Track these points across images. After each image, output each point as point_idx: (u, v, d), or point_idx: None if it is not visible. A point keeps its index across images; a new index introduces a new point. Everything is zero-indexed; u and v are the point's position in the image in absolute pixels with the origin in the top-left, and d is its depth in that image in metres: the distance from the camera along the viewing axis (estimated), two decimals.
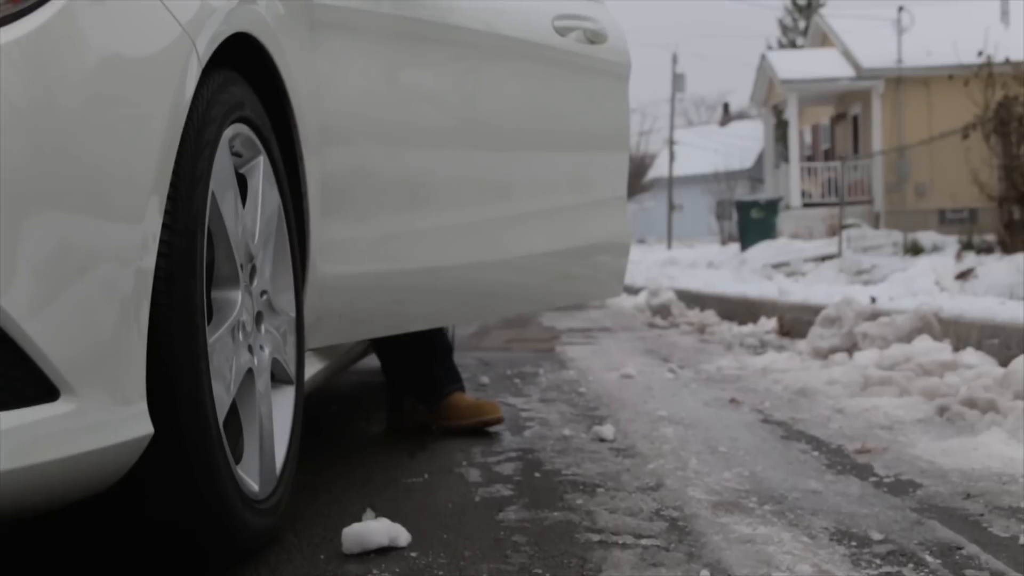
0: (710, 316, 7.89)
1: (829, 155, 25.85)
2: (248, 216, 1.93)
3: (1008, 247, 9.82)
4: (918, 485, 2.50)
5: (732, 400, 3.86)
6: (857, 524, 2.15)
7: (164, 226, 1.58)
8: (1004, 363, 3.82)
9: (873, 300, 6.01)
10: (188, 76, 1.64)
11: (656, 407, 3.71)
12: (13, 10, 1.39)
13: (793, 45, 38.80)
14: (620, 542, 2.03)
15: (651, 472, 2.66)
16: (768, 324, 6.75)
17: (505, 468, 2.73)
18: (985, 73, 11.17)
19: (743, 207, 18.70)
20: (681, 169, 39.19)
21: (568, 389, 4.26)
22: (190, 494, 1.67)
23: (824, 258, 13.20)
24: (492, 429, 3.25)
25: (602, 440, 3.09)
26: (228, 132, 1.83)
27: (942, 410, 3.43)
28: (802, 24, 39.28)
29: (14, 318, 1.34)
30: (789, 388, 4.09)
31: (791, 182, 23.60)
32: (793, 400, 3.86)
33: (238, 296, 1.86)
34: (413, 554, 1.96)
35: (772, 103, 26.49)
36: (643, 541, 2.04)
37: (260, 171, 1.99)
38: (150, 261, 1.54)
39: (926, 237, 12.80)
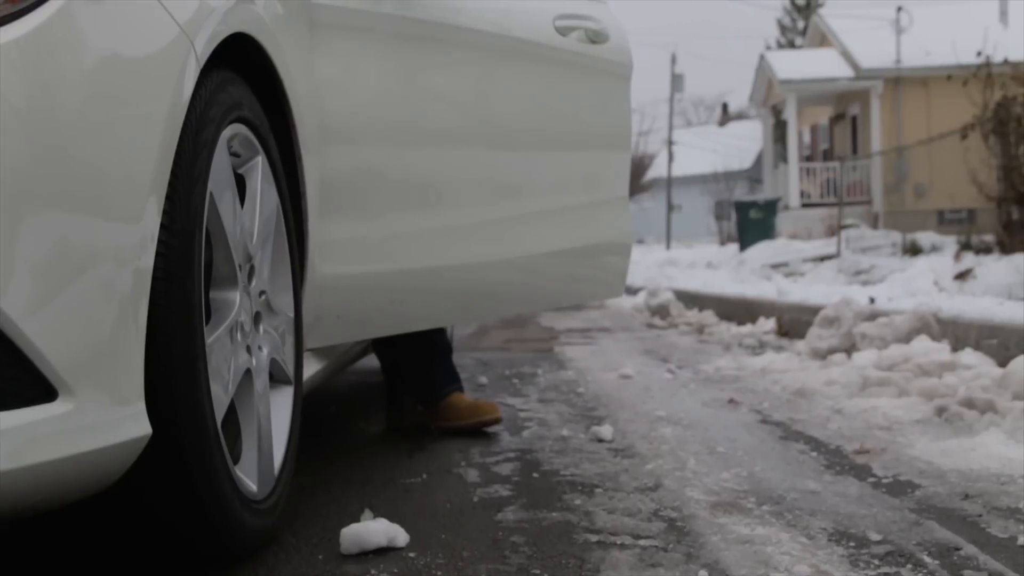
0: (709, 316, 7.89)
1: (828, 155, 25.85)
2: (246, 216, 1.93)
3: (1007, 247, 9.82)
4: (916, 486, 2.50)
5: (731, 400, 3.86)
6: (855, 524, 2.15)
7: (162, 226, 1.58)
8: (1002, 363, 3.82)
9: (872, 300, 6.01)
10: (186, 76, 1.64)
11: (655, 407, 3.71)
12: (11, 10, 1.39)
13: (792, 45, 38.82)
14: (618, 542, 2.03)
15: (649, 472, 2.66)
16: (767, 324, 6.75)
17: (503, 468, 2.74)
18: (984, 73, 11.18)
19: (742, 207, 18.71)
20: (680, 169, 39.20)
21: (567, 389, 4.26)
22: (188, 494, 1.67)
23: (823, 258, 13.21)
24: (491, 429, 3.25)
25: (600, 440, 3.09)
26: (226, 132, 1.83)
27: (940, 411, 3.43)
28: (801, 24, 39.31)
29: (12, 318, 1.34)
30: (788, 388, 4.09)
31: (790, 182, 23.61)
32: (792, 400, 3.86)
33: (236, 296, 1.86)
34: (411, 554, 1.96)
35: (771, 103, 26.50)
36: (641, 541, 2.04)
37: (259, 171, 1.99)
38: (148, 261, 1.54)
39: (925, 237, 12.81)
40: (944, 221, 15.47)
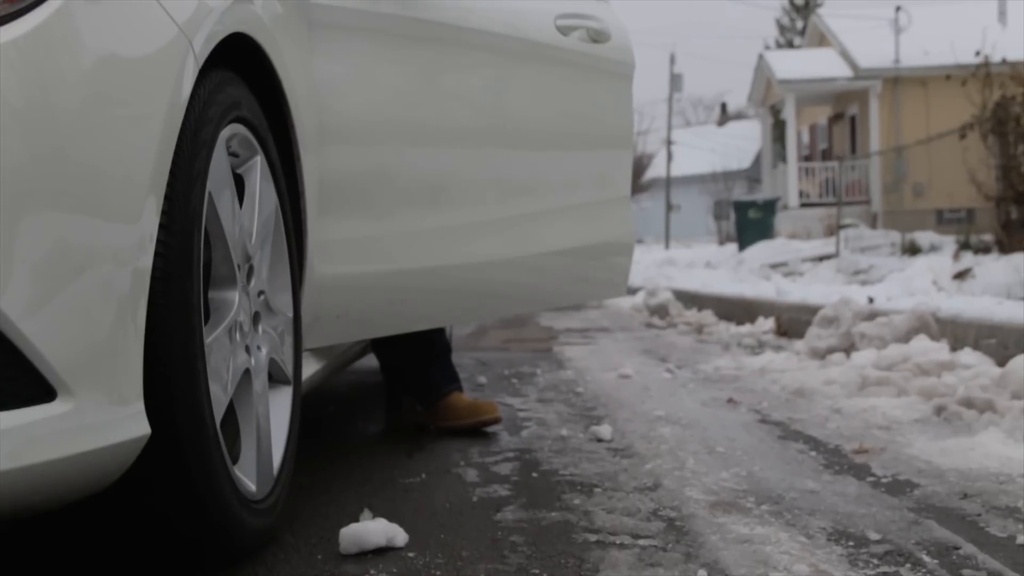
0: (708, 316, 7.89)
1: (827, 155, 25.86)
2: (245, 216, 1.93)
3: (1005, 247, 9.82)
4: (915, 485, 2.50)
5: (730, 400, 3.86)
6: (854, 524, 2.15)
7: (161, 226, 1.58)
8: (1001, 363, 3.83)
9: (871, 300, 6.01)
10: (185, 76, 1.64)
11: (654, 407, 3.71)
12: (10, 10, 1.39)
13: (791, 45, 38.83)
14: (617, 542, 2.03)
15: (648, 472, 2.66)
16: (766, 324, 6.75)
17: (503, 468, 2.74)
18: (982, 73, 11.18)
19: (741, 207, 18.71)
20: (679, 169, 39.22)
21: (566, 389, 4.26)
22: (187, 494, 1.67)
23: (822, 258, 13.21)
24: (490, 429, 3.25)
25: (600, 440, 3.09)
26: (225, 132, 1.82)
27: (939, 410, 3.43)
28: (800, 24, 39.33)
29: (11, 318, 1.34)
30: (787, 388, 4.09)
31: (789, 182, 23.61)
32: (791, 400, 3.86)
33: (235, 296, 1.86)
34: (411, 554, 1.96)
35: (770, 103, 26.51)
36: (640, 541, 2.04)
37: (257, 171, 1.99)
38: (147, 261, 1.54)
39: (924, 237, 12.81)
40: (943, 221, 15.49)
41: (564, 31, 3.09)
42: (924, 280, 7.65)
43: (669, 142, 36.94)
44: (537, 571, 1.86)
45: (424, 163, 2.65)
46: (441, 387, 3.24)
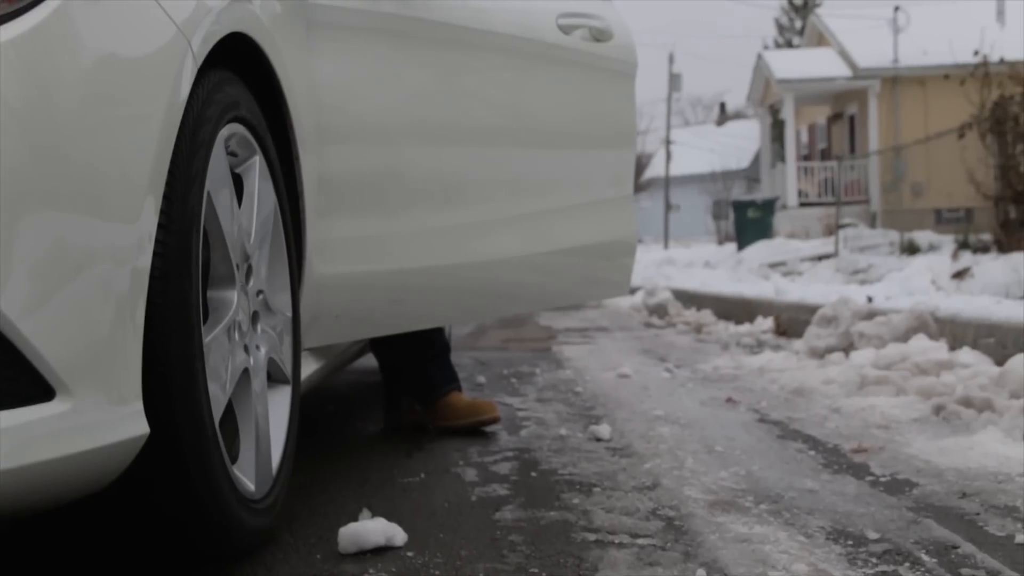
0: (707, 316, 7.89)
1: (825, 155, 25.87)
2: (244, 216, 1.93)
3: (1004, 246, 9.82)
4: (914, 484, 2.50)
5: (728, 399, 3.86)
6: (853, 523, 2.15)
7: (160, 226, 1.58)
8: (1000, 362, 3.83)
9: (870, 299, 6.02)
10: (183, 76, 1.64)
11: (653, 406, 3.71)
12: (8, 10, 1.39)
13: (790, 45, 38.84)
14: (616, 541, 2.03)
15: (647, 471, 2.66)
16: (765, 324, 6.75)
17: (502, 468, 2.74)
18: (981, 73, 11.19)
19: (740, 207, 18.71)
20: (678, 169, 39.23)
21: (565, 389, 4.26)
22: (186, 494, 1.67)
23: (821, 258, 13.22)
24: (489, 429, 3.24)
25: (598, 440, 3.10)
26: (224, 132, 1.82)
27: (938, 409, 3.43)
28: (799, 24, 39.33)
29: (10, 318, 1.34)
30: (785, 387, 4.09)
31: (788, 182, 23.62)
32: (789, 399, 3.87)
33: (234, 296, 1.86)
34: (409, 553, 1.96)
35: (769, 103, 26.51)
36: (639, 540, 2.04)
37: (256, 171, 1.99)
38: (146, 261, 1.54)
39: (922, 236, 12.81)
40: (942, 220, 15.48)
41: (566, 30, 3.09)
42: (923, 279, 7.65)
43: (668, 142, 36.94)
44: (536, 570, 1.86)
45: (425, 162, 2.65)
46: (440, 387, 3.24)
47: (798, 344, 5.31)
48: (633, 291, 9.79)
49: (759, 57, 26.09)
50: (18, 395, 1.37)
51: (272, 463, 2.00)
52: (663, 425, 3.33)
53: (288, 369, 2.13)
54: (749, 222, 17.98)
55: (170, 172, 1.60)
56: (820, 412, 3.56)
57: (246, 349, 1.92)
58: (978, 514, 2.23)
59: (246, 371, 1.91)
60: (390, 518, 2.07)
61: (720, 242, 25.28)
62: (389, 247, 2.54)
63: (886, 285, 7.68)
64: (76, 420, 1.42)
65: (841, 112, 25.28)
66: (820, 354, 4.96)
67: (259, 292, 2.01)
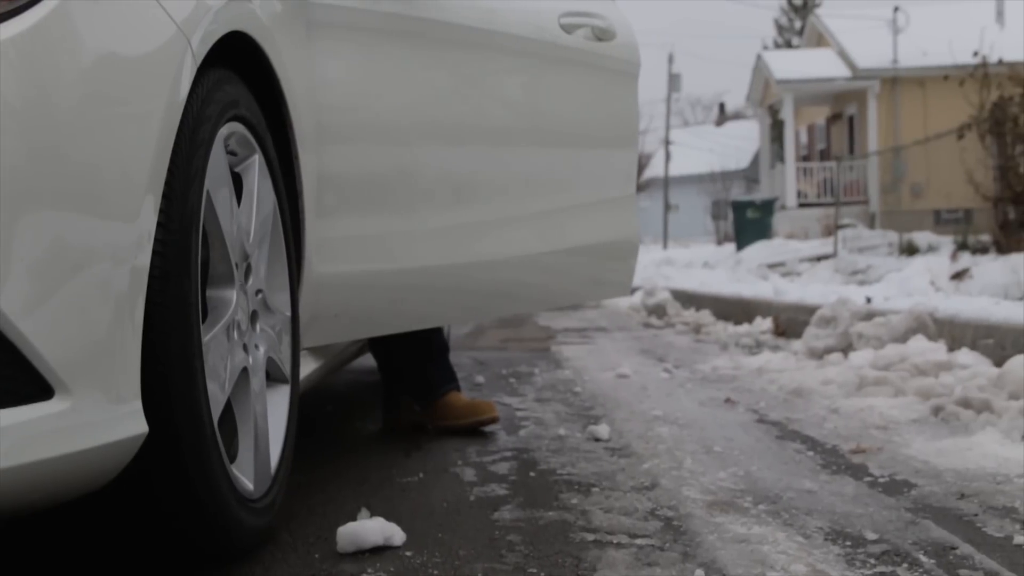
0: (706, 316, 7.89)
1: (825, 155, 25.87)
2: (243, 215, 1.93)
3: (1003, 247, 9.82)
4: (913, 485, 2.50)
5: (727, 400, 3.86)
6: (852, 524, 2.15)
7: (159, 225, 1.58)
8: (999, 363, 3.83)
9: (868, 300, 6.02)
10: (183, 74, 1.64)
11: (651, 407, 3.71)
12: (8, 8, 1.39)
13: (789, 45, 38.85)
14: (615, 542, 2.03)
15: (646, 472, 2.66)
16: (764, 324, 6.75)
17: (500, 468, 2.74)
18: (980, 73, 11.18)
19: (739, 207, 18.71)
20: (677, 169, 39.22)
21: (563, 389, 4.26)
22: (185, 493, 1.67)
23: (820, 258, 13.22)
24: (487, 429, 3.24)
25: (597, 440, 3.10)
26: (223, 131, 1.82)
27: (937, 410, 3.43)
28: (798, 24, 39.34)
29: (9, 317, 1.34)
30: (784, 388, 4.09)
31: (787, 182, 23.62)
32: (788, 400, 3.87)
33: (233, 295, 1.86)
34: (408, 553, 1.96)
35: (768, 103, 26.51)
36: (638, 541, 2.04)
37: (255, 170, 1.99)
38: (145, 260, 1.54)
39: (921, 237, 12.81)
40: (941, 221, 15.47)
41: (568, 29, 3.08)
42: (922, 280, 7.65)
43: (667, 142, 36.94)
44: (534, 570, 1.86)
45: (425, 162, 2.64)
46: (439, 386, 3.24)
47: (797, 345, 5.31)
48: (632, 291, 9.80)
49: (758, 57, 26.09)
50: (17, 394, 1.37)
51: (271, 462, 1.99)
52: (662, 425, 3.33)
53: (287, 368, 2.13)
54: (748, 222, 17.98)
55: (169, 171, 1.60)
56: (819, 413, 3.56)
57: (245, 348, 1.92)
58: (976, 515, 2.23)
59: (245, 370, 1.91)
60: (389, 518, 2.07)
61: (719, 242, 25.28)
62: (389, 246, 2.54)
63: (885, 286, 7.68)
64: (75, 419, 1.42)
65: (840, 113, 25.29)
66: (819, 355, 4.96)
67: (258, 291, 2.01)
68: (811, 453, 2.89)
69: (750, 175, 37.14)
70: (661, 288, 9.12)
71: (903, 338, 4.56)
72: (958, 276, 7.78)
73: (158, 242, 1.57)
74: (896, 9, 23.15)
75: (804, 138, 27.95)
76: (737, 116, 46.72)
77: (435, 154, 2.68)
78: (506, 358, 5.46)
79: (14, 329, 1.35)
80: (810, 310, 5.76)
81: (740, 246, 17.08)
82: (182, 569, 1.84)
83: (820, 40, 25.86)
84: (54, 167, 1.40)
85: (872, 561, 1.91)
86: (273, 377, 2.08)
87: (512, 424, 3.39)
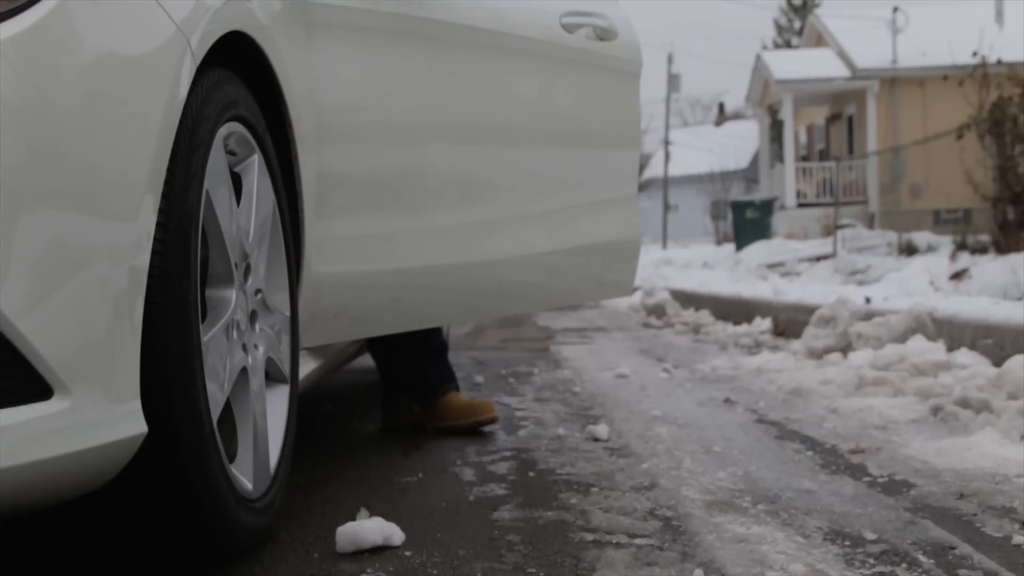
0: (705, 316, 7.89)
1: (824, 155, 25.86)
2: (242, 214, 1.93)
3: (1002, 247, 9.81)
4: (912, 485, 2.50)
5: (726, 400, 3.86)
6: (851, 524, 2.15)
7: (158, 224, 1.58)
8: (998, 363, 3.83)
9: (868, 300, 6.02)
10: (182, 74, 1.64)
11: (650, 407, 3.71)
12: (7, 7, 1.39)
13: (788, 45, 38.83)
14: (614, 541, 2.03)
15: (645, 472, 2.66)
16: (763, 324, 6.75)
17: (499, 467, 2.74)
18: (980, 74, 11.18)
19: (738, 207, 18.71)
20: (676, 169, 39.21)
21: (563, 389, 4.26)
22: (184, 493, 1.67)
23: (819, 258, 13.22)
24: (487, 429, 3.24)
25: (596, 440, 3.10)
26: (222, 131, 1.82)
27: (936, 410, 3.43)
28: (797, 24, 39.33)
29: (8, 316, 1.34)
30: (783, 388, 4.09)
31: (786, 182, 23.62)
32: (787, 400, 3.87)
33: (232, 295, 1.86)
34: (407, 553, 1.96)
35: (767, 103, 26.51)
36: (637, 540, 2.04)
37: (255, 170, 1.99)
38: (144, 259, 1.54)
39: (921, 237, 12.81)
40: (940, 221, 15.46)
41: (569, 28, 3.08)
42: (921, 280, 7.65)
43: (667, 142, 36.93)
44: (534, 570, 1.86)
45: (425, 161, 2.64)
46: (438, 387, 3.24)
47: (796, 345, 5.31)
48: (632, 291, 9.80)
49: (758, 58, 26.09)
50: (16, 393, 1.37)
51: (270, 462, 1.99)
52: (661, 425, 3.34)
53: (286, 368, 2.13)
54: (747, 222, 17.98)
55: (169, 171, 1.60)
56: (818, 413, 3.56)
57: (244, 348, 1.92)
58: (975, 515, 2.23)
59: (244, 370, 1.91)
60: (388, 517, 2.07)
61: (718, 242, 25.27)
62: (388, 246, 2.54)
63: (884, 286, 7.68)
64: (74, 419, 1.42)
65: (840, 113, 25.29)
66: (818, 355, 4.96)
67: (257, 291, 2.01)
68: (810, 453, 2.90)
69: (749, 175, 37.14)
70: (660, 288, 9.12)
71: (902, 338, 4.57)
72: (957, 276, 7.78)
73: (157, 242, 1.57)
74: (895, 9, 23.15)
75: (803, 138, 27.95)
76: (736, 116, 46.70)
77: (435, 154, 2.68)
78: (505, 358, 5.46)
79: (13, 329, 1.35)
80: (809, 310, 5.76)
81: (739, 246, 17.08)
82: (182, 569, 1.84)
83: (819, 40, 25.86)
84: (53, 166, 1.40)
85: (871, 561, 1.91)
86: (272, 377, 2.08)
87: (511, 424, 3.40)
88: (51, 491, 1.45)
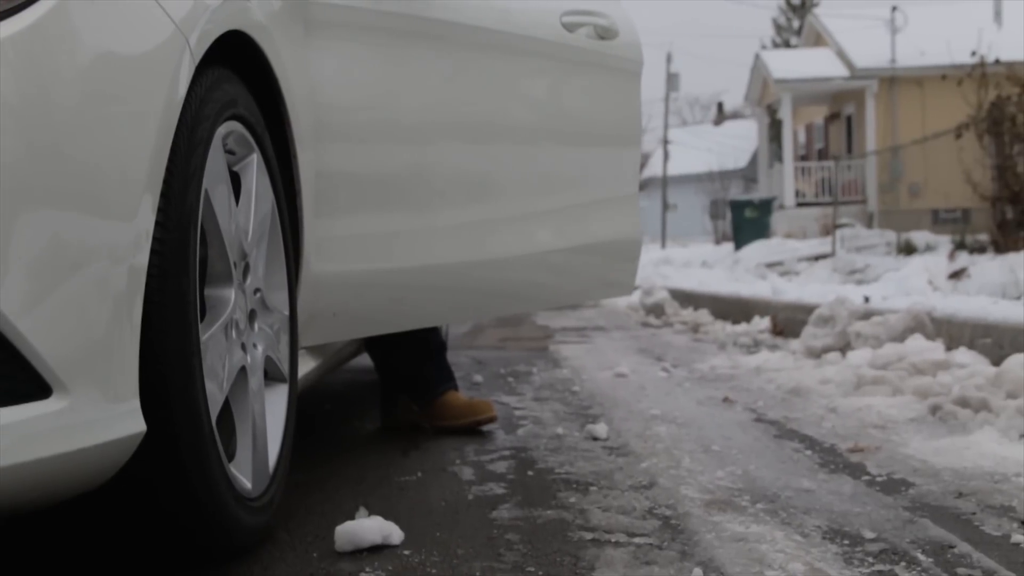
0: (704, 315, 7.90)
1: (823, 155, 25.86)
2: (241, 214, 1.93)
3: (1001, 247, 9.82)
4: (910, 484, 2.50)
5: (725, 399, 3.86)
6: (850, 523, 2.15)
7: (157, 223, 1.58)
8: (996, 362, 3.83)
9: (866, 299, 6.02)
10: (181, 73, 1.64)
11: (649, 406, 3.71)
12: (7, 7, 1.39)
13: (787, 45, 38.83)
14: (613, 540, 2.03)
15: (644, 471, 2.66)
16: (762, 323, 6.75)
17: (498, 467, 2.74)
18: (978, 73, 11.18)
19: (737, 206, 18.72)
20: (675, 168, 39.21)
21: (562, 388, 4.26)
22: (183, 492, 1.67)
23: (818, 257, 13.22)
24: (486, 428, 3.24)
25: (595, 439, 3.10)
26: (221, 130, 1.82)
27: (935, 409, 3.43)
28: (796, 24, 39.33)
29: (7, 315, 1.34)
30: (782, 387, 4.09)
31: (785, 182, 23.62)
32: (786, 399, 3.87)
33: (231, 294, 1.86)
34: (406, 552, 1.96)
35: (766, 102, 26.51)
36: (636, 539, 2.04)
37: (254, 169, 1.99)
38: (143, 258, 1.54)
39: (919, 237, 12.81)
40: (939, 220, 15.47)
41: (570, 28, 3.08)
42: (920, 280, 7.66)
43: (666, 141, 36.94)
44: (533, 569, 1.86)
45: (424, 160, 2.64)
46: (437, 386, 3.24)
47: (795, 344, 5.32)
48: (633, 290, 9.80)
49: (757, 57, 26.09)
50: (15, 392, 1.37)
51: (269, 461, 2.00)
52: (660, 424, 3.34)
53: (285, 367, 2.13)
54: (746, 222, 17.98)
55: (168, 170, 1.60)
56: (817, 412, 3.56)
57: (243, 347, 1.92)
58: (974, 514, 2.23)
59: (243, 369, 1.91)
60: (387, 516, 2.07)
61: (717, 242, 25.28)
62: (387, 245, 2.54)
63: (883, 285, 7.69)
64: (73, 418, 1.42)
65: (838, 112, 25.29)
66: (817, 354, 4.97)
67: (256, 290, 2.01)
68: (809, 452, 2.90)
69: (748, 174, 37.14)
70: (659, 287, 9.12)
71: (901, 337, 4.57)
72: (956, 275, 7.78)
73: (156, 241, 1.57)
74: (894, 9, 23.15)
75: (802, 137, 27.95)
76: (735, 115, 46.68)
77: (436, 152, 2.68)
78: (504, 357, 5.46)
79: (12, 328, 1.35)
80: (808, 309, 5.76)
81: (738, 245, 17.08)
82: (181, 568, 1.84)
83: (818, 40, 25.86)
84: (52, 165, 1.40)
85: (870, 560, 1.91)
86: (271, 376, 2.08)
87: (510, 423, 3.40)
88: (50, 490, 1.45)
